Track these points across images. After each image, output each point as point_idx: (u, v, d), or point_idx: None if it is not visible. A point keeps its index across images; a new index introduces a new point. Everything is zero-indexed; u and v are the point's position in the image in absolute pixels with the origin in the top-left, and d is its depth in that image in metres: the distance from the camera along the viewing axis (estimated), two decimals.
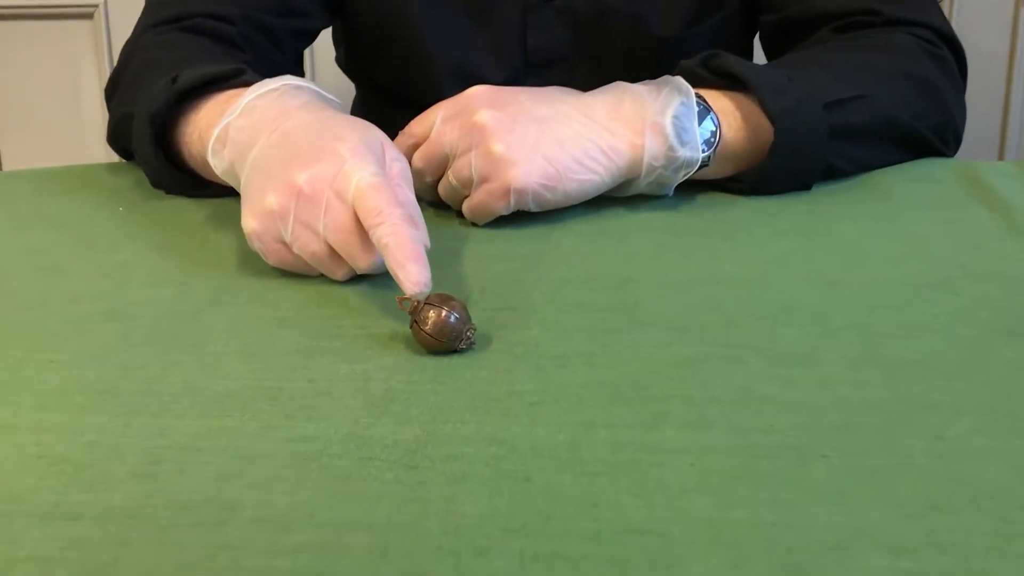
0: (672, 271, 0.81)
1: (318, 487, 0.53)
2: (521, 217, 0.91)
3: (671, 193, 0.95)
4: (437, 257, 0.77)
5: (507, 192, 0.86)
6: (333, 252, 0.77)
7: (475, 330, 0.68)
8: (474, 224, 0.91)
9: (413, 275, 0.69)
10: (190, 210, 0.97)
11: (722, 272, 0.81)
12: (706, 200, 0.96)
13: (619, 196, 0.95)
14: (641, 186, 0.92)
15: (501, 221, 0.90)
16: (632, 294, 0.77)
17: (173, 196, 1.02)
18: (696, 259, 0.83)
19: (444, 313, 0.67)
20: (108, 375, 0.65)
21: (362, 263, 0.76)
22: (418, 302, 0.69)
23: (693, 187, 0.96)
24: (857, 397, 0.60)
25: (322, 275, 0.80)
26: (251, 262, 0.83)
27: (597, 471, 0.53)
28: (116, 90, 1.07)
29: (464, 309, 0.69)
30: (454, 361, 0.67)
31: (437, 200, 0.94)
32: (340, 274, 0.79)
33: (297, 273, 0.80)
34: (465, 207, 0.90)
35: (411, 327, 0.69)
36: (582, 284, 0.79)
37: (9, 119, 2.16)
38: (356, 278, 0.80)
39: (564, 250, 0.85)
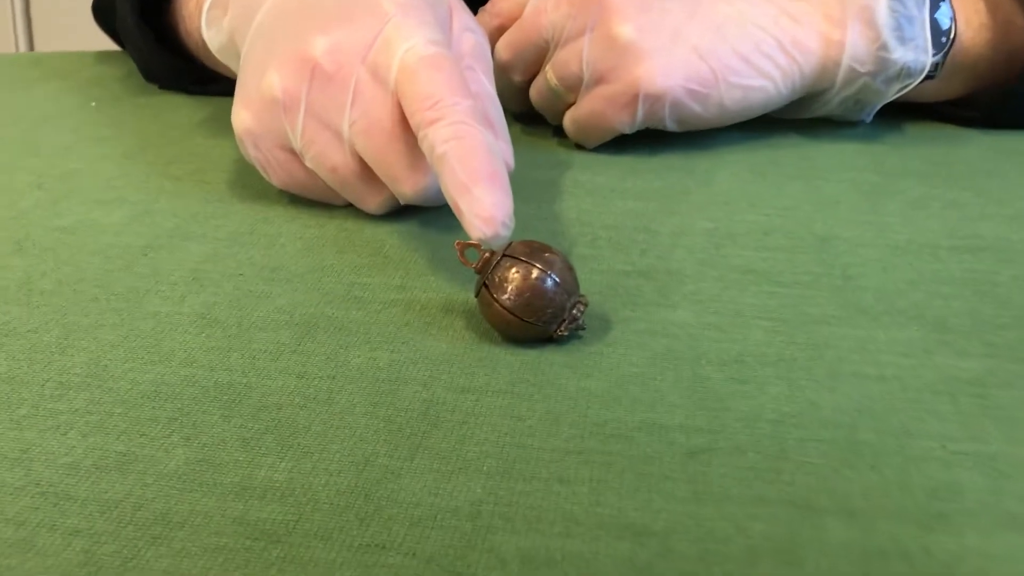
0: (896, 229, 0.51)
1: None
2: (651, 140, 0.62)
3: (869, 119, 0.64)
4: (524, 191, 0.49)
5: (634, 98, 0.57)
6: (364, 167, 0.49)
7: (585, 305, 0.40)
8: (580, 147, 0.62)
9: (485, 204, 0.40)
10: (183, 110, 0.70)
11: (977, 236, 0.51)
12: (920, 133, 0.66)
13: (795, 118, 0.65)
14: (832, 103, 0.62)
15: (621, 145, 0.61)
16: (836, 260, 0.47)
17: (169, 92, 0.74)
18: (932, 214, 0.53)
19: (535, 274, 0.39)
20: None
21: (407, 185, 0.48)
22: (491, 253, 0.40)
23: (895, 114, 0.66)
24: None
25: (349, 204, 0.52)
26: (246, 182, 0.56)
27: None
28: None
29: (569, 269, 0.40)
30: (547, 358, 0.39)
31: (528, 110, 0.65)
32: (373, 203, 0.51)
33: (310, 200, 0.52)
34: (568, 120, 0.61)
35: (477, 294, 0.40)
36: (752, 240, 0.49)
37: None
38: (399, 211, 0.51)
39: (719, 188, 0.56)
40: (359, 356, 0.39)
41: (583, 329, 0.40)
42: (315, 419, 0.35)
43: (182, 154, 0.61)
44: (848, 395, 0.37)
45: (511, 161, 0.47)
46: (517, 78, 0.63)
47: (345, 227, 0.50)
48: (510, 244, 0.40)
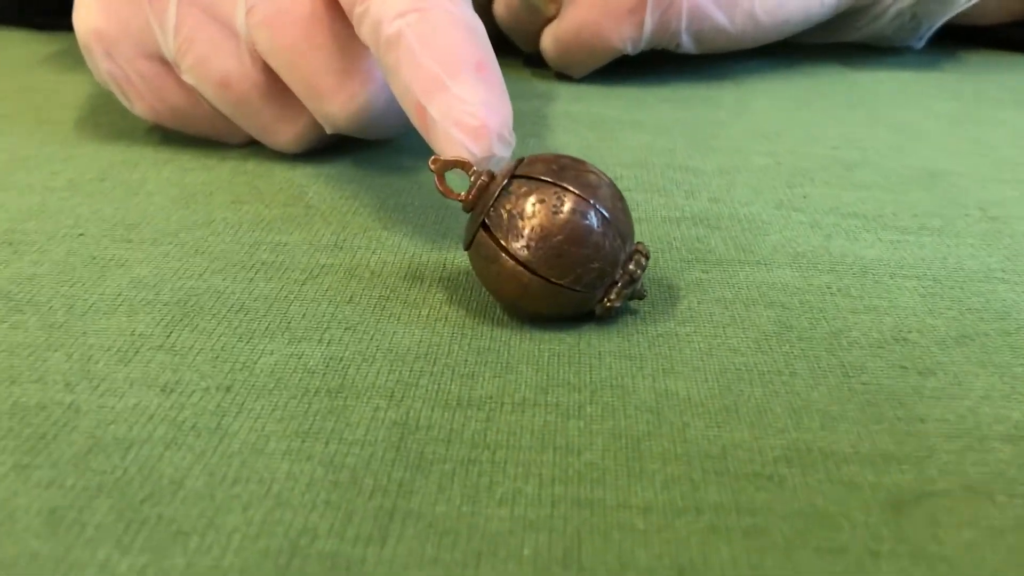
0: (1021, 162, 0.37)
1: None
2: (657, 68, 0.46)
3: (921, 43, 0.50)
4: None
5: (640, 2, 0.42)
6: (270, 79, 0.33)
7: (647, 258, 0.24)
8: (564, 76, 0.46)
9: (470, 105, 0.25)
10: (30, 45, 0.52)
11: None
12: (984, 60, 0.52)
13: (835, 41, 0.50)
14: (885, 17, 0.48)
15: (617, 75, 0.46)
16: (965, 198, 0.33)
17: (13, 28, 0.57)
18: None
19: (569, 204, 0.23)
20: None
21: (337, 102, 0.32)
22: (490, 175, 0.24)
23: (941, 43, 0.52)
24: None
25: (252, 140, 0.35)
26: (102, 119, 0.39)
27: None
28: None
29: (619, 199, 0.24)
30: (592, 344, 0.24)
31: (493, 31, 0.48)
32: (286, 135, 0.34)
33: (192, 137, 0.36)
34: (549, 40, 0.45)
35: (470, 244, 0.24)
36: (835, 177, 0.35)
37: None
38: (326, 148, 0.35)
39: (760, 119, 0.41)
40: (272, 353, 0.23)
41: (643, 296, 0.24)
42: (194, 475, 0.19)
43: (18, 89, 0.43)
44: None
45: (494, 62, 0.31)
46: None
47: (244, 170, 0.34)
48: (519, 160, 0.24)
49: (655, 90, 0.44)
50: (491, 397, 0.21)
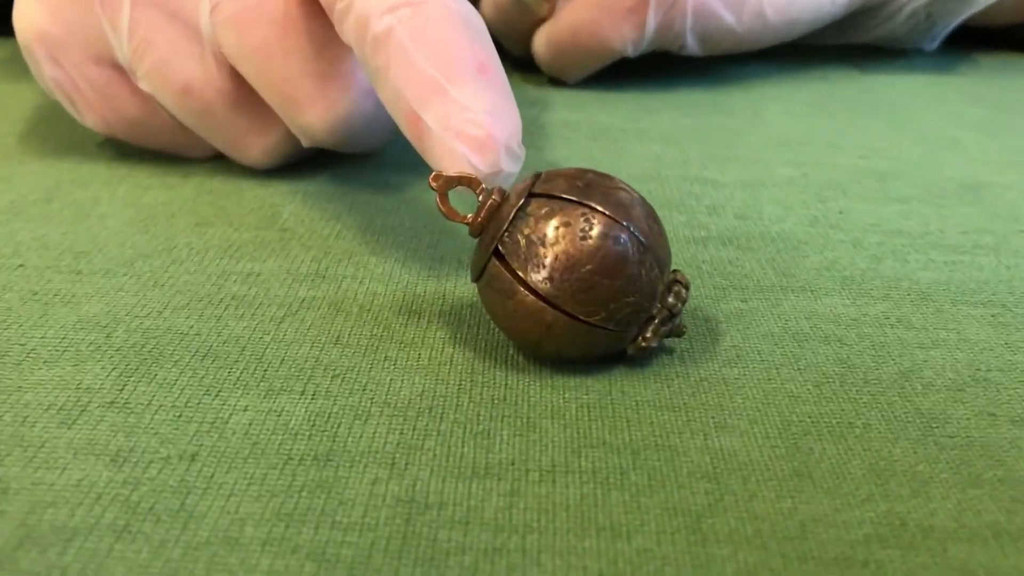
0: None
1: None
2: (659, 72, 0.43)
3: (935, 44, 0.47)
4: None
5: (642, 1, 0.38)
6: (238, 86, 0.29)
7: (687, 288, 0.20)
8: (557, 82, 0.43)
9: (473, 113, 0.22)
10: None
11: None
12: (1003, 63, 0.49)
13: (846, 43, 0.47)
14: (899, 17, 0.45)
15: (616, 79, 0.42)
16: (1015, 213, 0.29)
17: None
18: None
19: (598, 228, 0.20)
20: None
21: (315, 111, 0.28)
22: (501, 193, 0.20)
23: (952, 44, 0.49)
24: None
25: (218, 154, 0.32)
26: (49, 131, 0.35)
27: None
28: None
29: (655, 220, 0.21)
30: (627, 391, 0.20)
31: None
32: (257, 149, 0.31)
33: (151, 151, 0.32)
34: (542, 41, 0.42)
35: (480, 275, 0.21)
36: (869, 190, 0.32)
37: None
38: (302, 163, 0.31)
39: (776, 127, 0.38)
40: (246, 409, 0.19)
41: (682, 334, 0.21)
42: (153, 574, 0.15)
43: None
44: None
45: (498, 64, 0.27)
46: None
47: (210, 188, 0.30)
48: (536, 176, 0.21)
49: (658, 95, 0.41)
50: (513, 463, 0.18)
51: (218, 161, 0.32)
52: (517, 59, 0.44)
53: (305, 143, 0.29)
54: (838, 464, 0.18)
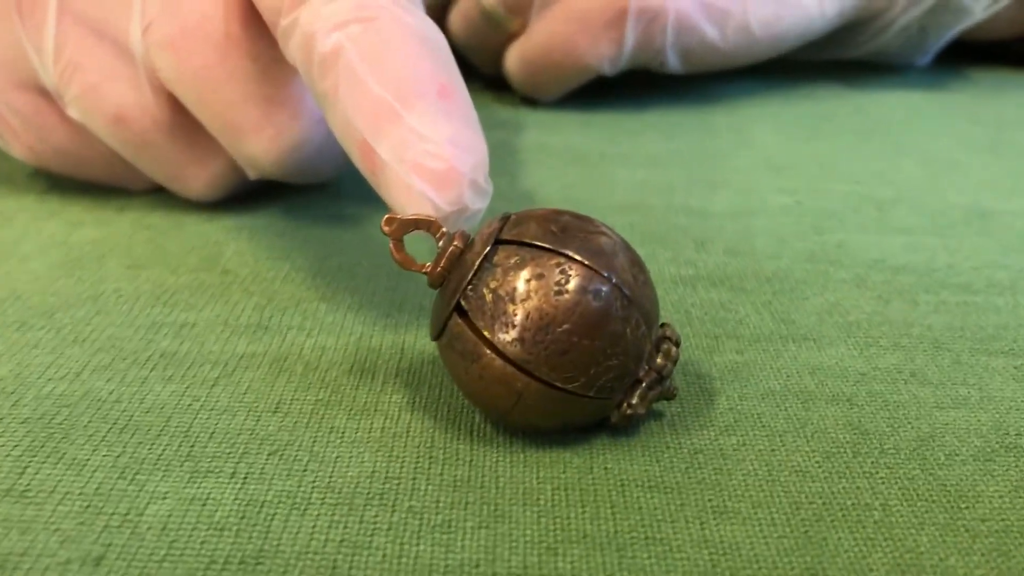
0: None
1: None
2: (637, 91, 0.41)
3: (928, 59, 0.45)
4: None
5: (620, 14, 0.36)
6: (176, 113, 0.26)
7: (677, 345, 0.18)
8: (531, 101, 0.40)
9: (433, 143, 0.19)
10: None
11: None
12: (998, 78, 0.47)
13: (836, 58, 0.45)
14: (890, 31, 0.43)
15: (593, 99, 0.40)
16: (1015, 253, 0.27)
17: None
18: None
19: (576, 280, 0.17)
20: None
21: (260, 139, 0.26)
22: (463, 238, 0.18)
23: (943, 59, 0.47)
24: None
25: (157, 187, 0.29)
26: None
27: None
28: None
29: (640, 268, 0.18)
30: (609, 470, 0.17)
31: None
32: (198, 181, 0.28)
33: (84, 183, 0.29)
34: (515, 59, 0.39)
35: (440, 333, 0.18)
36: (869, 220, 0.29)
37: None
38: (248, 195, 0.29)
39: (765, 150, 0.35)
40: (165, 496, 0.16)
41: (673, 397, 0.18)
42: None
43: None
44: None
45: (460, 83, 0.24)
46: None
47: (147, 224, 0.27)
48: (505, 218, 0.18)
49: (639, 116, 0.38)
50: (477, 565, 0.15)
51: (159, 194, 0.29)
52: (488, 78, 0.42)
53: (251, 175, 0.26)
54: (857, 559, 0.15)
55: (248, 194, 0.29)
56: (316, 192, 0.29)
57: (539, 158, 0.33)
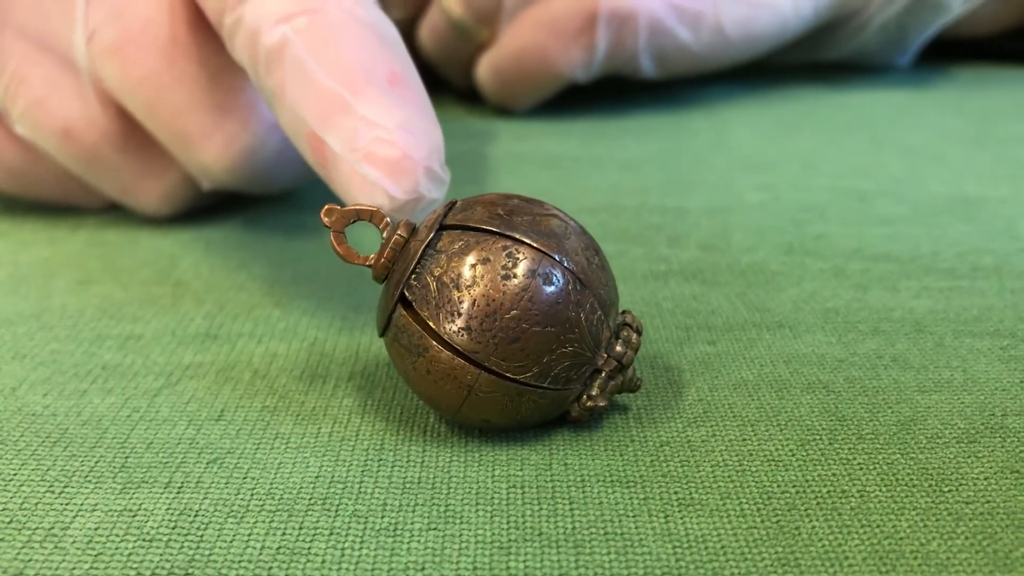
0: None
1: None
2: (612, 97, 0.40)
3: (908, 59, 0.45)
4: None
5: (590, 19, 0.36)
6: (124, 124, 0.25)
7: (639, 333, 0.17)
8: (503, 111, 0.39)
9: (384, 129, 0.18)
10: None
11: None
12: (980, 74, 0.46)
13: (813, 60, 0.44)
14: (868, 31, 0.42)
15: (566, 107, 0.39)
16: (1017, 230, 0.26)
17: None
18: None
19: (525, 264, 0.16)
20: None
21: (210, 147, 0.25)
22: (407, 227, 0.17)
23: (924, 58, 0.46)
24: None
25: (110, 204, 0.28)
26: None
27: None
28: None
29: (595, 251, 0.17)
30: (570, 468, 0.16)
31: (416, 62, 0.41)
32: (150, 195, 0.27)
33: (34, 203, 0.28)
34: (486, 69, 0.38)
35: (386, 328, 0.17)
36: (851, 213, 0.28)
37: None
38: (202, 209, 0.28)
39: (742, 149, 0.34)
40: (94, 508, 0.15)
41: (636, 388, 0.17)
42: None
43: None
44: None
45: (415, 79, 0.23)
46: (396, 13, 0.40)
47: (100, 241, 0.26)
48: (450, 204, 0.17)
49: (614, 122, 0.38)
50: (423, 568, 0.14)
51: (115, 211, 0.28)
52: (460, 91, 0.41)
53: (205, 185, 0.26)
54: (832, 546, 0.14)
55: (206, 209, 0.28)
56: (277, 203, 0.28)
57: (510, 165, 0.33)
